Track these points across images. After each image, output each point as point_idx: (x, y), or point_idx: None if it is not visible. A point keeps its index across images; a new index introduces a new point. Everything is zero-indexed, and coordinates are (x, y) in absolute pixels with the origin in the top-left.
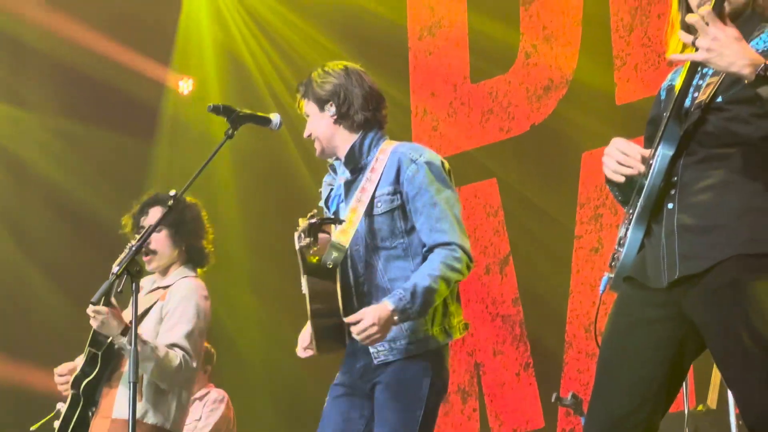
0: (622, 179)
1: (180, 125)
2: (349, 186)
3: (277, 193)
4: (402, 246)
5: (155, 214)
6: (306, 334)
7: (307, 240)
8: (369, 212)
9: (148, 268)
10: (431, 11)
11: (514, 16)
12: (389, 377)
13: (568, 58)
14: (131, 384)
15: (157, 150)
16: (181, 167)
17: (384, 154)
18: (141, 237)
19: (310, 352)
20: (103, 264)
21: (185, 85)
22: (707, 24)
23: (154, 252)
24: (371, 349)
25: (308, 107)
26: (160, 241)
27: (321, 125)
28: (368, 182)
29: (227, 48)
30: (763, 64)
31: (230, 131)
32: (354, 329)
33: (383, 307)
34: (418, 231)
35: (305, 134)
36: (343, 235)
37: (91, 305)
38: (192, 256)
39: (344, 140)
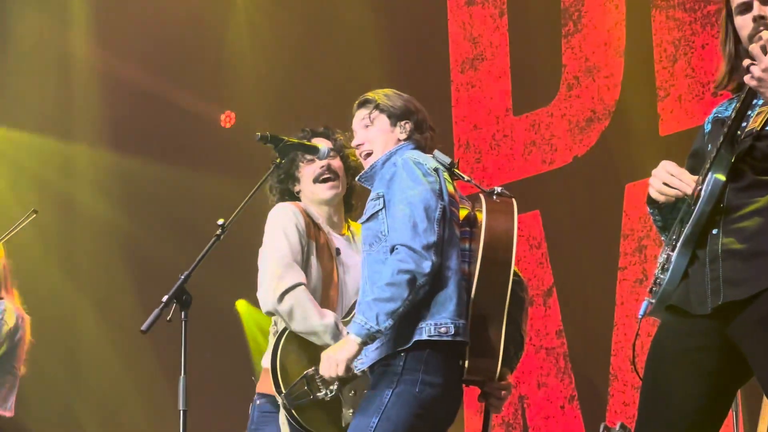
0: (668, 200)
1: (224, 156)
2: None
3: None
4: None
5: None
6: None
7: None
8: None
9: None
10: (473, 44)
11: (556, 48)
12: (366, 385)
13: (610, 90)
14: None
15: (204, 182)
16: (227, 198)
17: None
18: (191, 267)
19: None
20: (153, 296)
21: (227, 119)
22: (764, 53)
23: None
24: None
25: (377, 118)
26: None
27: (382, 139)
28: None
29: (269, 79)
30: None
31: (278, 160)
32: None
33: (347, 340)
34: None
35: (355, 142)
36: None
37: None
38: None
39: None
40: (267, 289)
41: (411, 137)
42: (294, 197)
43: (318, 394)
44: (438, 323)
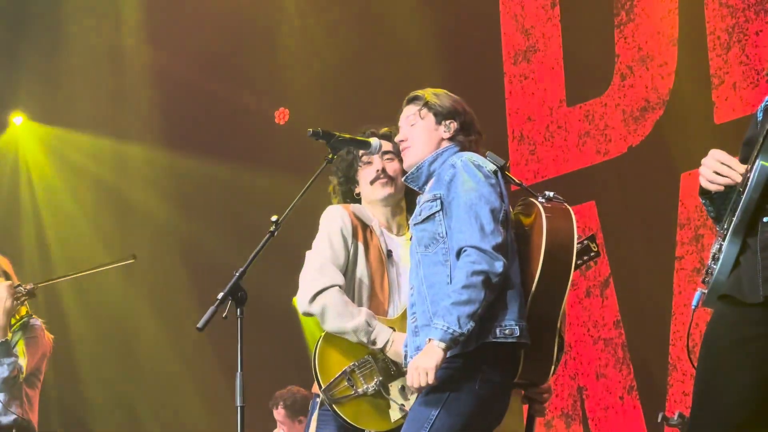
0: (718, 188)
1: (278, 153)
2: None
3: None
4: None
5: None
6: None
7: None
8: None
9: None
10: (525, 35)
11: (609, 38)
12: None
13: (664, 79)
14: None
15: (258, 179)
16: (281, 194)
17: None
18: (246, 264)
19: None
20: (208, 294)
21: (281, 116)
22: None
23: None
24: (410, 357)
25: (425, 115)
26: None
27: (425, 137)
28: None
29: (322, 76)
30: None
31: (330, 156)
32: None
33: (431, 347)
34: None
35: (399, 138)
36: None
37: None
38: None
39: None
40: (302, 292)
41: (455, 138)
42: (355, 200)
43: (359, 389)
44: (503, 325)
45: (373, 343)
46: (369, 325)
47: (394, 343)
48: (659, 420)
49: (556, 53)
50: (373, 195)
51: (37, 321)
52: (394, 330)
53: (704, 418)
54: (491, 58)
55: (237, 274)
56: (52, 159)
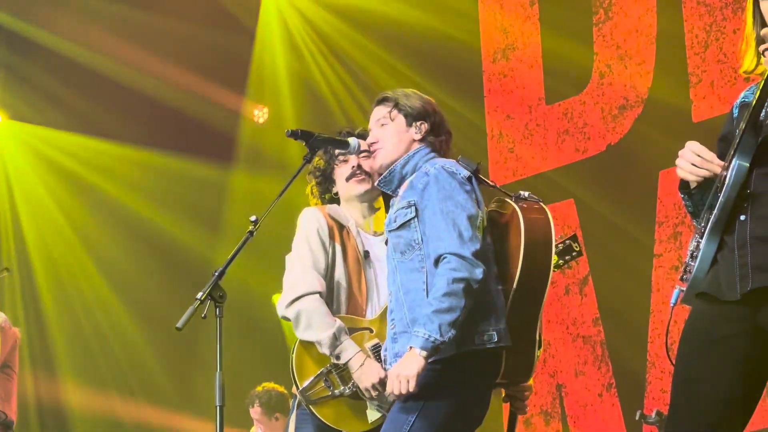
0: (696, 179)
1: (257, 152)
2: None
3: None
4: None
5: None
6: None
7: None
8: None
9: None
10: (504, 34)
11: (588, 36)
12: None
13: (642, 77)
14: None
15: (235, 177)
16: (258, 194)
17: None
18: (225, 264)
19: None
20: (187, 293)
21: (260, 114)
22: None
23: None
24: (389, 364)
25: (395, 116)
26: None
27: (396, 138)
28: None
29: (301, 75)
30: None
31: (308, 155)
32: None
33: (412, 355)
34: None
35: (370, 140)
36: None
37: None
38: None
39: None
40: (282, 296)
41: (425, 139)
42: (334, 199)
43: (336, 390)
44: (482, 331)
45: (337, 357)
46: (336, 339)
47: (363, 368)
48: (637, 418)
49: (534, 51)
50: (349, 192)
51: (0, 314)
52: (368, 356)
53: (682, 415)
54: (470, 56)
55: (216, 274)
56: (29, 156)
